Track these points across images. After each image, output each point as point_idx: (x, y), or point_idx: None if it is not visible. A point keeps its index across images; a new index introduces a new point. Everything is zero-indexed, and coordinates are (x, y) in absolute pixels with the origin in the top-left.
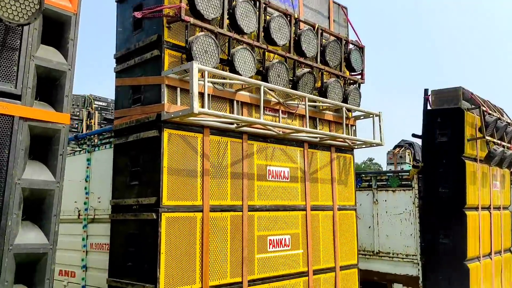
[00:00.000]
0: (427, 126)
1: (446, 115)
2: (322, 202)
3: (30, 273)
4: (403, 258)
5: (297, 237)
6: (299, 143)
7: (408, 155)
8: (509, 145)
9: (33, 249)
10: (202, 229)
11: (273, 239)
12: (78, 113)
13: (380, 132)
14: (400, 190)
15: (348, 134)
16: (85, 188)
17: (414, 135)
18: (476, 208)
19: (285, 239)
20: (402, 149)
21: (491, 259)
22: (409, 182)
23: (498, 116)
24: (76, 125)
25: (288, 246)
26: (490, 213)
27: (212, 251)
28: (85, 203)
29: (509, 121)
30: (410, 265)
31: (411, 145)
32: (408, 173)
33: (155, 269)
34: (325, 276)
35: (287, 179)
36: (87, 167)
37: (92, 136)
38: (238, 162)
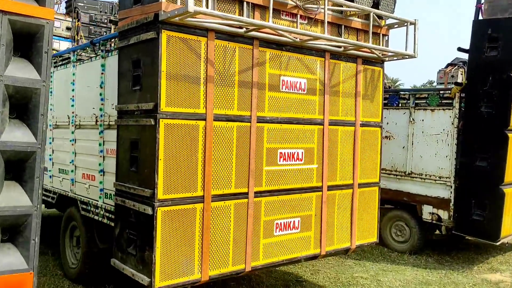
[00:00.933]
0: (476, 38)
1: (498, 26)
2: (343, 117)
3: (19, 171)
4: (435, 180)
5: (312, 152)
6: (319, 52)
7: (461, 74)
8: None
9: (20, 147)
10: (205, 138)
11: (285, 152)
12: (105, 21)
13: (414, 43)
14: (440, 109)
15: (379, 45)
16: (100, 95)
17: (460, 49)
18: None
19: (298, 153)
20: (454, 68)
21: None
22: (450, 101)
23: None
24: (105, 33)
25: (301, 160)
26: None
27: (215, 160)
28: (100, 109)
29: None
30: (442, 188)
31: (465, 63)
32: (450, 91)
33: (154, 175)
34: (341, 193)
35: (304, 91)
36: (102, 73)
37: (106, 41)
38: (247, 70)
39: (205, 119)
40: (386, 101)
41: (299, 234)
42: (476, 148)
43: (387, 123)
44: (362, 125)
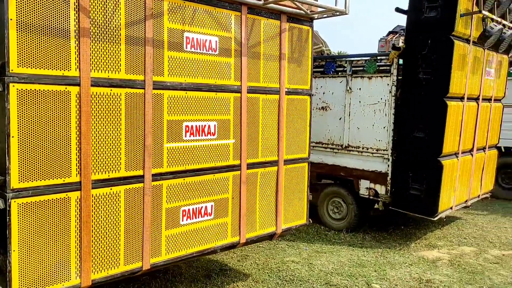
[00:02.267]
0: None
1: None
2: (265, 83)
3: None
4: (373, 153)
5: (227, 125)
6: (234, 5)
7: (403, 42)
8: (510, 24)
9: None
10: (79, 108)
11: (192, 126)
12: None
13: None
14: (377, 76)
15: None
16: None
17: (398, 10)
18: (461, 98)
19: (209, 126)
20: (396, 36)
21: (472, 155)
22: (388, 68)
23: None
24: None
25: (214, 135)
26: (478, 104)
27: (96, 137)
28: None
29: None
30: (380, 161)
31: None
32: (388, 57)
33: (4, 157)
34: (264, 171)
35: (215, 51)
36: None
37: None
38: (138, 23)
39: (78, 84)
40: (322, 69)
41: (213, 221)
42: (414, 117)
43: (324, 93)
44: (288, 93)
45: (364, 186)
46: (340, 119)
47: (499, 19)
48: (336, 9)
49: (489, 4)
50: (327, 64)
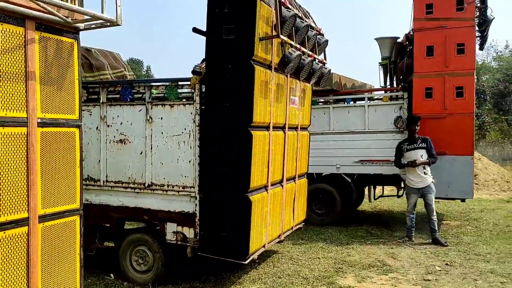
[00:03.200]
0: (212, 19)
1: (234, 5)
2: (10, 112)
3: None
4: (179, 192)
5: None
6: None
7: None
8: (310, 52)
9: None
10: None
11: None
12: None
13: (116, 4)
14: (179, 104)
15: (66, 1)
16: None
17: (195, 30)
18: (267, 127)
19: None
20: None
21: (282, 187)
22: (191, 94)
23: (300, 15)
24: None
25: None
26: (285, 133)
27: None
28: None
29: (313, 25)
30: (186, 200)
31: None
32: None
33: None
34: (2, 236)
35: None
36: None
37: None
38: None
39: None
40: (118, 95)
41: None
42: (219, 150)
43: (121, 124)
44: (44, 124)
45: (171, 230)
46: (141, 153)
47: (298, 46)
48: (105, 18)
49: (287, 30)
50: (123, 90)
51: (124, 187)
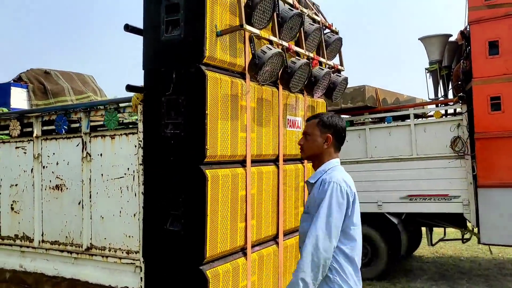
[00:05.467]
0: (150, 9)
1: None
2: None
3: None
4: (121, 258)
5: None
6: None
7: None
8: (310, 54)
9: None
10: None
11: None
12: None
13: None
14: (121, 134)
15: None
16: None
17: (128, 28)
18: (241, 162)
19: None
20: None
21: (277, 244)
22: (135, 119)
23: (293, 3)
24: None
25: None
26: (279, 168)
27: None
28: None
29: (316, 17)
30: (131, 271)
31: None
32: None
33: None
34: None
35: None
36: None
37: None
38: None
39: None
40: (54, 126)
41: None
42: (162, 199)
43: (57, 164)
44: None
45: None
46: (79, 203)
47: (285, 43)
48: None
49: (262, 19)
50: (58, 119)
51: (60, 250)
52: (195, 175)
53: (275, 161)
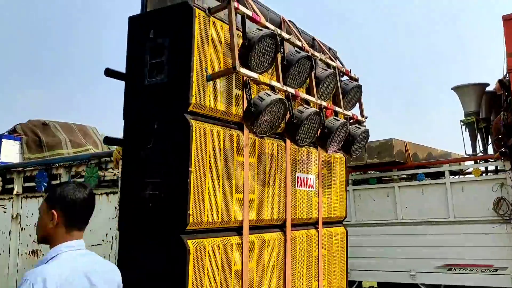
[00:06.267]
0: (133, 51)
1: (164, 23)
2: None
3: None
4: None
5: None
6: None
7: None
8: (323, 102)
9: None
10: None
11: None
12: None
13: None
14: (102, 193)
15: None
16: None
17: (108, 73)
18: (236, 230)
19: None
20: None
21: None
22: (114, 176)
23: (303, 46)
24: None
25: None
26: (285, 235)
27: None
28: None
29: (331, 62)
30: None
31: None
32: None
33: None
34: None
35: None
36: None
37: None
38: None
39: None
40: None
41: None
42: (140, 274)
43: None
44: None
45: None
46: None
47: (292, 90)
48: None
49: (264, 62)
50: (39, 175)
51: None
52: (175, 246)
53: (281, 226)
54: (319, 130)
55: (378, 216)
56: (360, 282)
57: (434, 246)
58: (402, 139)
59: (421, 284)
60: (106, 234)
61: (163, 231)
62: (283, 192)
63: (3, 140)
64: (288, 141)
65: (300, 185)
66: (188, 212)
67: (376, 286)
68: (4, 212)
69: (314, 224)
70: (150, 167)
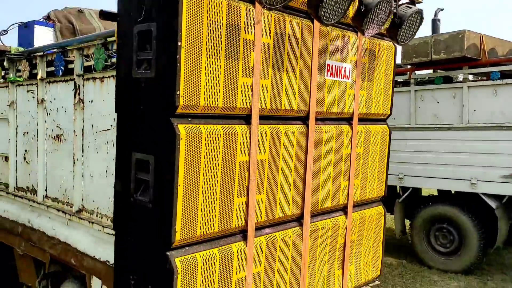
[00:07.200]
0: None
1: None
2: None
3: None
4: (104, 227)
5: None
6: None
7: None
8: None
9: None
10: None
11: None
12: None
13: None
14: (109, 77)
15: None
16: None
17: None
18: (245, 117)
19: None
20: None
21: (302, 227)
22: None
23: None
24: None
25: None
26: (308, 128)
27: None
28: None
29: None
30: (112, 242)
31: None
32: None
33: None
34: None
35: None
36: None
37: None
38: None
39: None
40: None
41: None
42: (131, 161)
43: (57, 110)
44: None
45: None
46: (74, 158)
47: None
48: None
49: None
50: (57, 58)
51: (57, 209)
52: (164, 130)
53: (304, 119)
54: (355, 7)
55: (441, 120)
56: (416, 189)
57: (502, 154)
58: (478, 31)
59: (482, 193)
60: (114, 119)
61: (153, 115)
62: (308, 80)
63: (36, 26)
64: (316, 21)
65: (331, 74)
66: (177, 92)
67: (436, 194)
68: (33, 97)
69: (348, 120)
70: (142, 43)
